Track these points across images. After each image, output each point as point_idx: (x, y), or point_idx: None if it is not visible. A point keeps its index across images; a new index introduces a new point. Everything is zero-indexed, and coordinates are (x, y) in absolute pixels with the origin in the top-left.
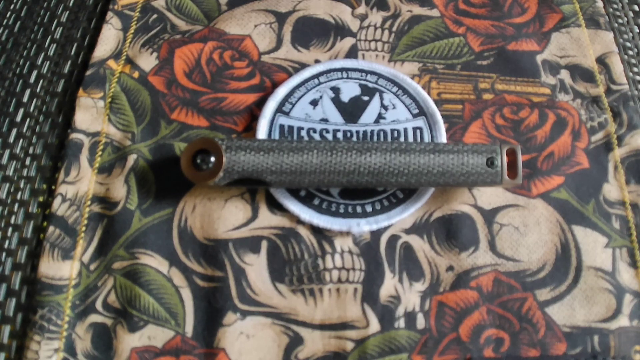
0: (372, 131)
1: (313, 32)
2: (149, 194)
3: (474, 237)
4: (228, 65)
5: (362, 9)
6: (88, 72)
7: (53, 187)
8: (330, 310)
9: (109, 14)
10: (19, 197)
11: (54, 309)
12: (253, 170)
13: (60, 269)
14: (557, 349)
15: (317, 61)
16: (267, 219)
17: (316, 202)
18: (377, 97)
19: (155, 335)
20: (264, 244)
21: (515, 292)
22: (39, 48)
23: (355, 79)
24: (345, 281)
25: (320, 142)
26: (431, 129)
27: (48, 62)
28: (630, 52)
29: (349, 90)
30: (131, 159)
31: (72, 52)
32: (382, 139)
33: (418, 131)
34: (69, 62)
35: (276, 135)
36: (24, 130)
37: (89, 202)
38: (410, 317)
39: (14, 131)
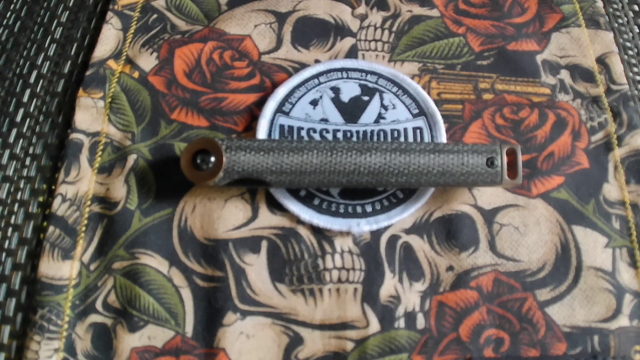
0: (372, 131)
1: (313, 32)
2: (149, 194)
3: (474, 237)
4: (228, 65)
5: (362, 9)
6: (88, 72)
7: (53, 187)
8: (330, 310)
9: (109, 14)
10: (19, 197)
11: (54, 309)
12: (253, 170)
13: (60, 269)
14: (557, 349)
15: (317, 61)
16: (267, 219)
17: (316, 202)
18: (377, 97)
19: (155, 335)
20: (264, 244)
21: (515, 292)
22: (39, 48)
23: (355, 79)
24: (345, 281)
25: (320, 142)
26: (431, 129)
27: (48, 62)
28: (630, 52)
29: (349, 90)
30: (131, 159)
31: (72, 52)
32: (382, 139)
33: (418, 131)
34: (69, 62)
35: (276, 135)
36: (24, 130)
37: (89, 202)
38: (410, 317)
39: (14, 131)
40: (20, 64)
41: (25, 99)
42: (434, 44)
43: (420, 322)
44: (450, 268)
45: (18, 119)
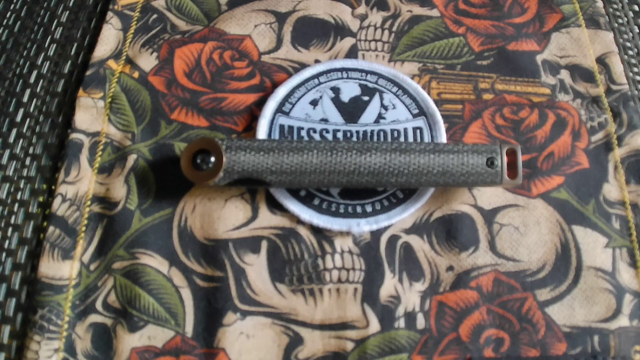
0: (372, 131)
1: (313, 32)
2: (149, 194)
3: (474, 237)
4: (228, 65)
5: (362, 9)
6: (88, 72)
7: (53, 187)
8: (330, 310)
9: (109, 14)
10: (19, 197)
11: (54, 309)
12: (253, 170)
13: (60, 269)
14: (557, 349)
15: (317, 61)
16: (267, 219)
17: (316, 202)
18: (377, 97)
19: (155, 335)
20: (264, 244)
21: (515, 292)
22: (39, 48)
23: (355, 79)
24: (345, 281)
25: (320, 142)
26: (431, 129)
27: (48, 62)
28: (630, 52)
29: (349, 90)
30: (131, 159)
31: (72, 52)
32: (382, 139)
33: (418, 131)
34: (69, 62)
35: (276, 135)
36: (24, 130)
37: (89, 202)
38: (410, 317)
39: (14, 131)
40: (20, 64)
41: (25, 99)
42: (434, 44)
43: (420, 322)
44: (450, 268)
45: (18, 119)
